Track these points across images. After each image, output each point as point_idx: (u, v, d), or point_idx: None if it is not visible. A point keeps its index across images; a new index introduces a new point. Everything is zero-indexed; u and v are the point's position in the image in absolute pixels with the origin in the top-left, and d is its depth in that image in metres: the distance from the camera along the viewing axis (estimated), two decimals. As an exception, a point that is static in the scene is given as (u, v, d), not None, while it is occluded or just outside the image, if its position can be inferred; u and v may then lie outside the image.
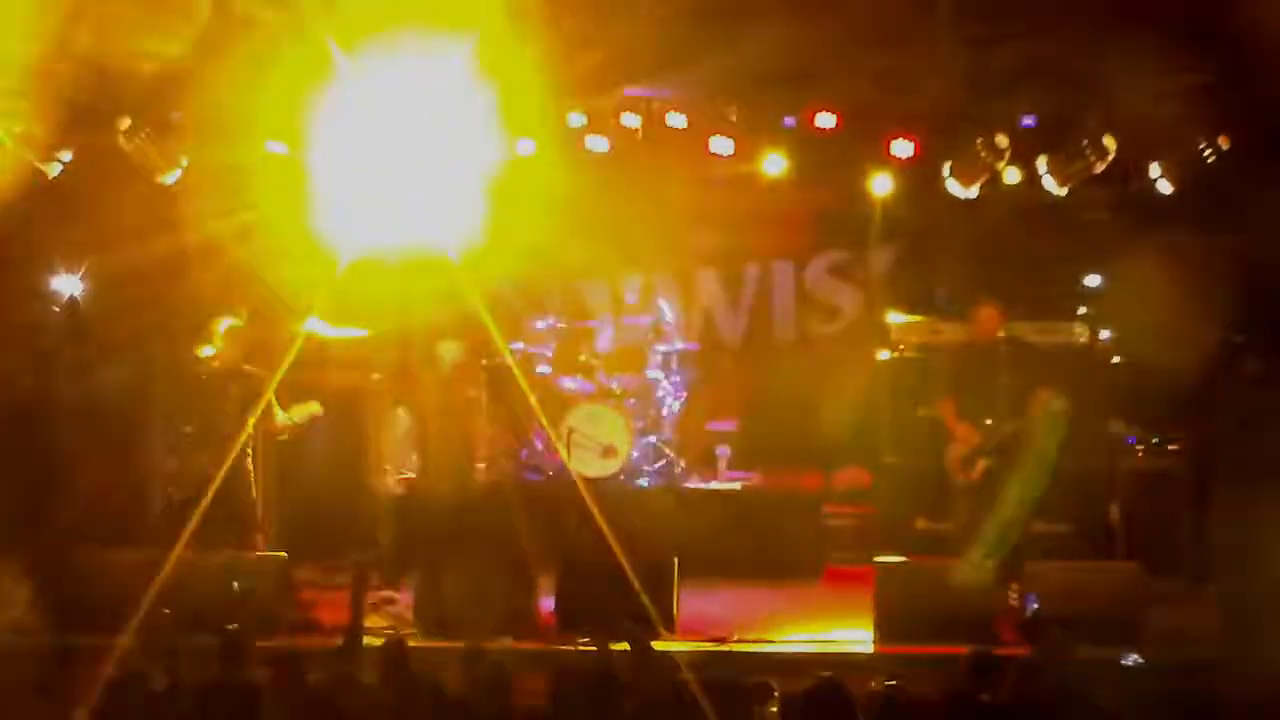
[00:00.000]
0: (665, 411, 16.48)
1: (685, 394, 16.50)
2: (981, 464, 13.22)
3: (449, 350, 14.34)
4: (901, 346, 15.15)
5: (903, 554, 13.30)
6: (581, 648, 11.86)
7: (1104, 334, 15.03)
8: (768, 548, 14.82)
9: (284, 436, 13.48)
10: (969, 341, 13.67)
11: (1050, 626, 11.29)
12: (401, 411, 15.63)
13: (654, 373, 16.01)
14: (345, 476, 15.39)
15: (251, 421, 13.05)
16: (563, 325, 16.47)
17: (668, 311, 16.76)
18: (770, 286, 17.19)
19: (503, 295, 15.19)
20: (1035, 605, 12.31)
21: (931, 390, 14.32)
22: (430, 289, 14.58)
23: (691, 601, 13.15)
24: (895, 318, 15.38)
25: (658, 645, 11.57)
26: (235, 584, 12.60)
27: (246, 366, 13.37)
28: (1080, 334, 14.90)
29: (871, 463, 15.55)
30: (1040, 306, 14.82)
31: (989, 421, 13.26)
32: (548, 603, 12.95)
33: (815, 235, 16.96)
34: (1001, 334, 13.21)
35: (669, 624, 12.38)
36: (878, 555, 13.19)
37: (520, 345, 16.15)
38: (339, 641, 10.90)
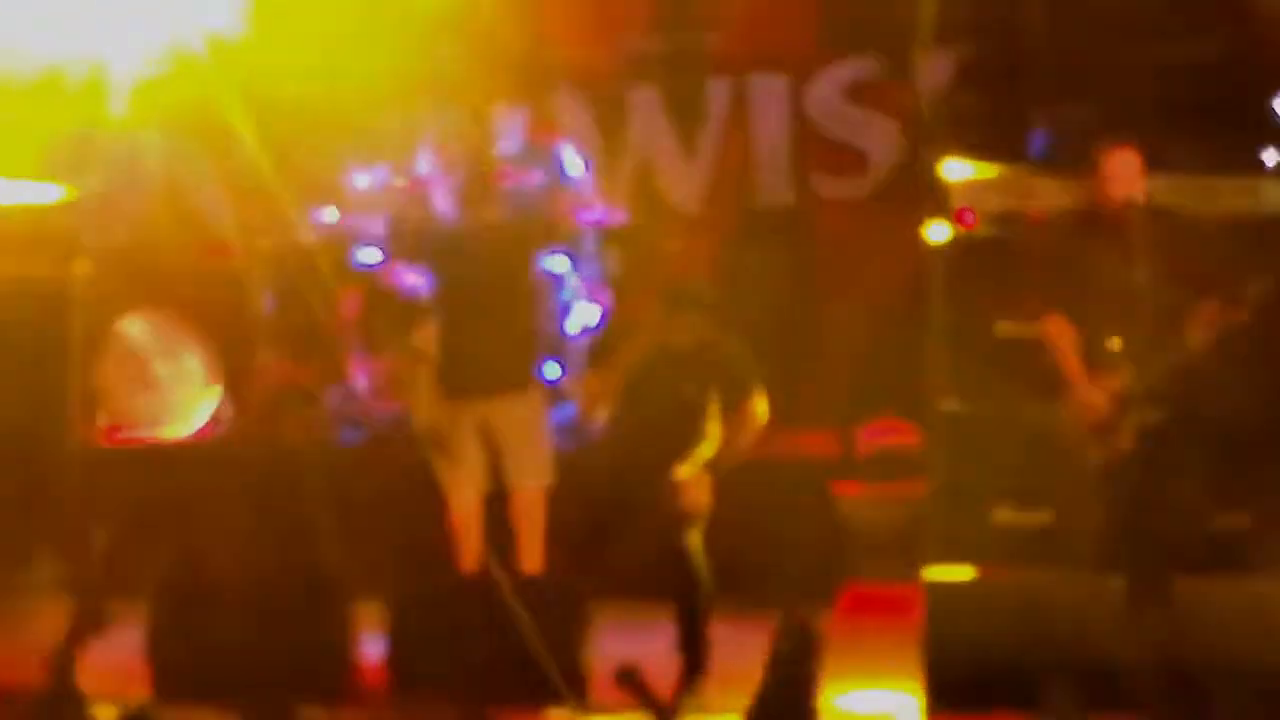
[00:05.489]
0: (574, 324, 13.41)
1: (607, 297, 13.51)
2: (1130, 423, 10.22)
3: None
4: (970, 218, 11.73)
5: (972, 564, 10.74)
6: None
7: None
8: (743, 554, 11.15)
9: None
10: (1086, 211, 10.48)
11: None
12: (132, 323, 13.50)
13: (553, 260, 12.78)
14: (28, 431, 12.43)
15: None
16: (400, 181, 13.20)
17: (575, 161, 13.38)
18: (748, 117, 13.77)
19: (297, 133, 12.09)
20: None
21: (1021, 291, 11.05)
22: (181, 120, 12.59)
23: (612, 646, 9.99)
24: (957, 170, 11.89)
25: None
26: None
27: None
28: (1270, 198, 11.40)
29: (920, 412, 12.06)
30: (1203, 153, 11.33)
31: (1110, 343, 10.32)
32: (375, 651, 10.52)
33: (822, 33, 13.67)
34: (1140, 196, 10.27)
35: (580, 693, 9.79)
36: (930, 566, 10.68)
37: (329, 215, 13.03)
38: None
